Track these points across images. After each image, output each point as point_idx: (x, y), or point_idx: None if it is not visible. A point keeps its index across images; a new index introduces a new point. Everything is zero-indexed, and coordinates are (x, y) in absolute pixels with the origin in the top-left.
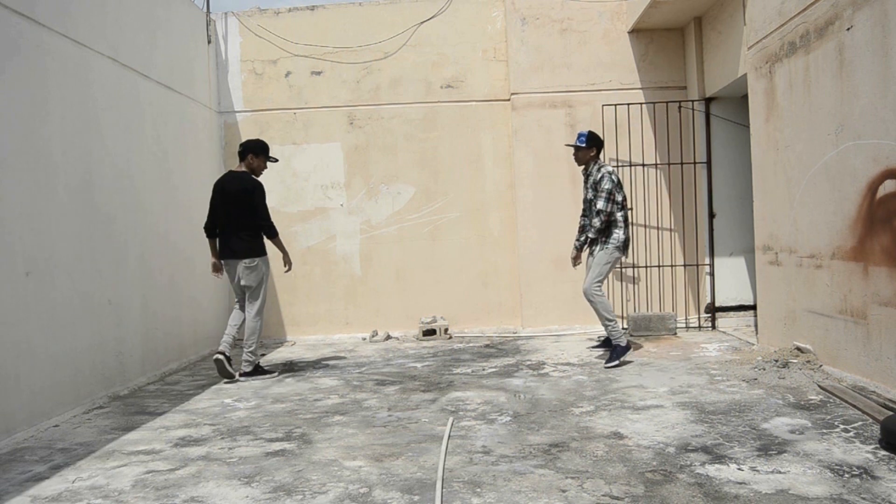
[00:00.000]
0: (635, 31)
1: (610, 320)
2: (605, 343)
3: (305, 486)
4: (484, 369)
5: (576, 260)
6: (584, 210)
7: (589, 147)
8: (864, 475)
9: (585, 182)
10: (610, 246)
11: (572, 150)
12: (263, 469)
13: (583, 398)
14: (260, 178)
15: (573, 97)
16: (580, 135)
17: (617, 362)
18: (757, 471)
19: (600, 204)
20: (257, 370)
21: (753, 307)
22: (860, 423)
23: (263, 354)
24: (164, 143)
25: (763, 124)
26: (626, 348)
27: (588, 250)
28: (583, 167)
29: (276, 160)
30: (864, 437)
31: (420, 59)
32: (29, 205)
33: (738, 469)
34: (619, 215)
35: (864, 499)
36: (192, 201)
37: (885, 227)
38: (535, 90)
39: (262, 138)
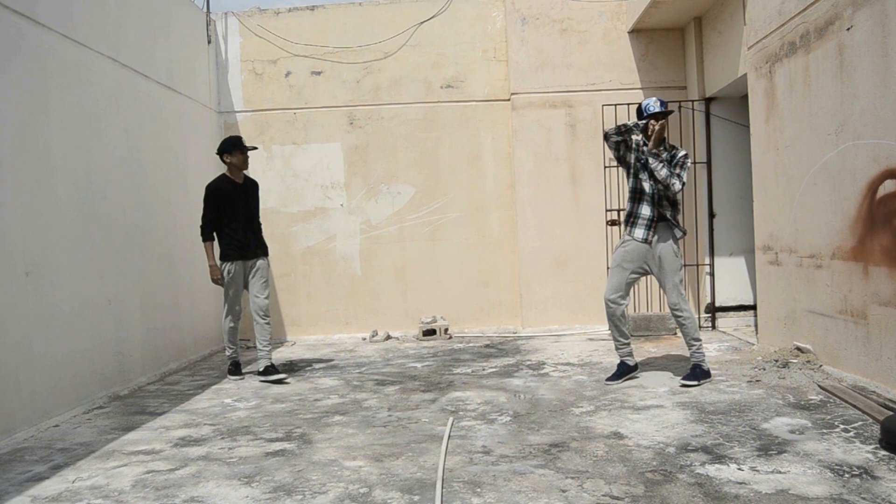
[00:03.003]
0: (635, 31)
1: (697, 340)
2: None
3: (305, 486)
4: (484, 369)
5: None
6: (642, 194)
7: None
8: (864, 475)
9: (651, 157)
10: (678, 238)
11: (655, 120)
12: (263, 469)
13: (583, 398)
14: (254, 178)
15: (573, 97)
16: (661, 101)
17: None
18: (757, 471)
19: (685, 176)
20: (228, 369)
21: (753, 307)
22: (860, 423)
23: None
24: (164, 144)
25: (763, 124)
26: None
27: (636, 233)
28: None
29: (255, 147)
30: (864, 437)
31: (420, 59)
32: (29, 205)
33: (738, 469)
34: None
35: (864, 499)
36: (192, 201)
37: (885, 227)
38: (535, 90)
39: (249, 137)
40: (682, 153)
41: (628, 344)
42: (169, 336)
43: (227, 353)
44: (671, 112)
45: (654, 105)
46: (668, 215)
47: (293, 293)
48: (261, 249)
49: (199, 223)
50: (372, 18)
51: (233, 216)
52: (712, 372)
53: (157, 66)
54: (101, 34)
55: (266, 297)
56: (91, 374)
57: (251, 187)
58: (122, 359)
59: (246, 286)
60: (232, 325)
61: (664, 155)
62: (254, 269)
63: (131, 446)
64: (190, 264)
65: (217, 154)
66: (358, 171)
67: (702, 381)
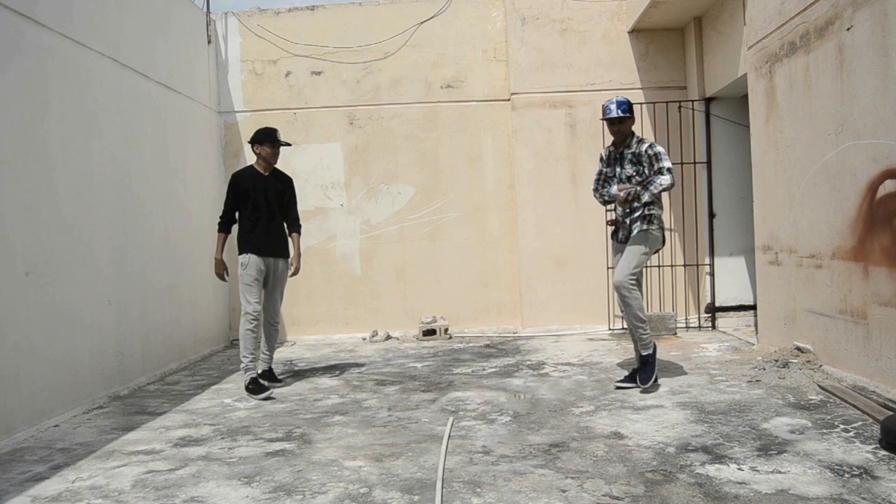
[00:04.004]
0: (635, 31)
1: (643, 321)
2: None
3: (305, 486)
4: (484, 369)
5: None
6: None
7: (631, 116)
8: (864, 475)
9: (616, 160)
10: (654, 228)
11: (608, 125)
12: (263, 469)
13: (583, 398)
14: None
15: (573, 97)
16: (620, 104)
17: (653, 379)
18: (757, 471)
19: (667, 163)
20: (247, 387)
21: (753, 307)
22: (860, 423)
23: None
24: (164, 144)
25: (763, 124)
26: (654, 354)
27: (618, 235)
28: (612, 146)
29: (288, 144)
30: (864, 437)
31: (420, 59)
32: (29, 205)
33: (738, 469)
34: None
35: (864, 499)
36: (192, 201)
37: (885, 227)
38: (535, 90)
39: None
40: (646, 145)
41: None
42: (169, 336)
43: (244, 365)
44: (620, 118)
45: (609, 109)
46: (636, 215)
47: (293, 293)
48: (280, 250)
49: (198, 221)
50: (372, 18)
51: (253, 209)
52: (713, 372)
53: (157, 66)
54: (101, 34)
55: (280, 303)
56: (91, 374)
57: (280, 182)
58: (122, 359)
59: (265, 285)
60: (249, 327)
61: (628, 154)
62: (275, 272)
63: (131, 446)
64: (190, 264)
65: (249, 143)
66: (358, 171)
67: (652, 384)
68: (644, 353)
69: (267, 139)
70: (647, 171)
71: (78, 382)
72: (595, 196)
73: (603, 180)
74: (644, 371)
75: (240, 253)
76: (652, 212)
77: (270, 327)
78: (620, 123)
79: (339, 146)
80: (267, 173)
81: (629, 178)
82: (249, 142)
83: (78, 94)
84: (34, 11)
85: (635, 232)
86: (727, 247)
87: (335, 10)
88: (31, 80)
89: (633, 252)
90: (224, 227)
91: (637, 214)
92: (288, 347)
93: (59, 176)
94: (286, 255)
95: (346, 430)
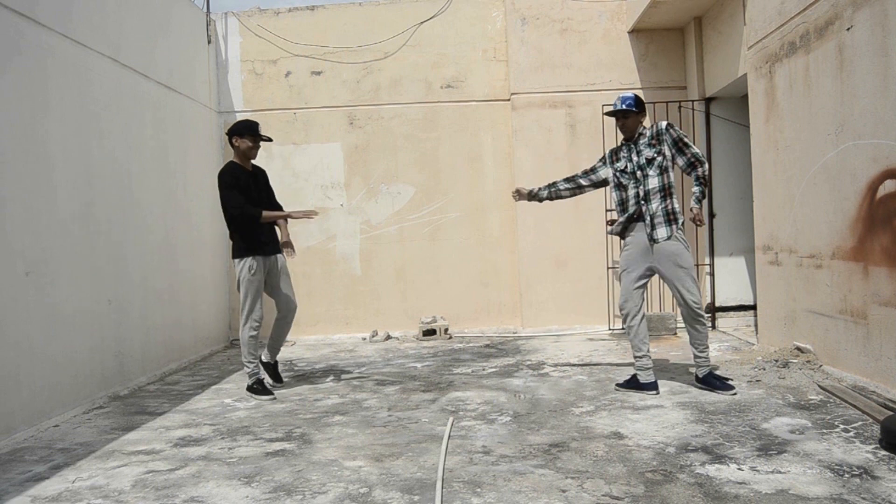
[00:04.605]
0: (635, 31)
1: (706, 346)
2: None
3: (305, 486)
4: (484, 369)
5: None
6: (622, 189)
7: (640, 111)
8: (864, 475)
9: (630, 150)
10: (681, 224)
11: (616, 119)
12: (263, 469)
13: (583, 398)
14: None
15: (573, 97)
16: (625, 99)
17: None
18: (757, 471)
19: (696, 147)
20: (252, 388)
21: (753, 307)
22: (860, 423)
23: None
24: (163, 144)
25: (763, 124)
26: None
27: (628, 235)
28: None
29: (270, 139)
30: (864, 437)
31: (420, 59)
32: (29, 205)
33: (738, 469)
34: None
35: (864, 499)
36: (192, 201)
37: (885, 227)
38: (535, 90)
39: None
40: (665, 124)
41: (641, 356)
42: (169, 336)
43: (248, 370)
44: (625, 112)
45: (615, 103)
46: (657, 208)
47: None
48: (277, 246)
49: (198, 222)
50: (372, 18)
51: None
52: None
53: (157, 66)
54: (101, 34)
55: (294, 296)
56: (91, 374)
57: (262, 175)
58: (122, 359)
59: (265, 286)
60: (253, 333)
61: (642, 140)
62: (278, 267)
63: (131, 446)
64: (190, 264)
65: (227, 134)
66: (358, 171)
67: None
68: (706, 370)
69: (248, 131)
70: (668, 152)
71: (78, 382)
72: (560, 184)
73: (581, 174)
74: (707, 380)
75: (243, 256)
76: (675, 206)
77: (287, 325)
78: (625, 118)
79: (339, 146)
80: (249, 168)
81: (649, 162)
82: (227, 133)
83: (78, 94)
84: (34, 11)
85: (666, 240)
86: (727, 247)
87: (335, 10)
88: (31, 80)
89: (684, 271)
90: (256, 210)
91: (660, 212)
92: (288, 347)
93: (59, 176)
94: (280, 249)
95: (346, 430)
